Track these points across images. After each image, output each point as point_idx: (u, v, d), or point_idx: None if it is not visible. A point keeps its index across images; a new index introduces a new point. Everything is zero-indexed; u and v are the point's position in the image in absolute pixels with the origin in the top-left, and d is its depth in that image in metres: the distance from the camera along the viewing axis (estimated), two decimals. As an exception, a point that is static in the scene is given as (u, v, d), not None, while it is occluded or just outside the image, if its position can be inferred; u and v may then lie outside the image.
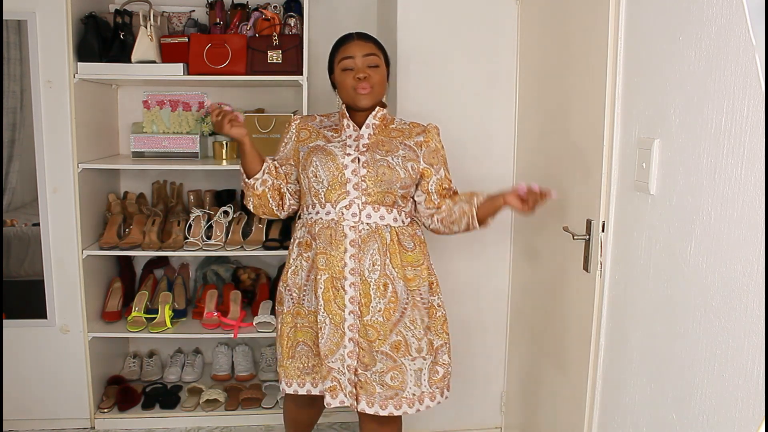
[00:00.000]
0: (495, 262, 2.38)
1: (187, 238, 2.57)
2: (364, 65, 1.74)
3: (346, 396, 1.74)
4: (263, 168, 1.77)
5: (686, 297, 1.21)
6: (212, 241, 2.56)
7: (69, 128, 2.37)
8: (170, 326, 2.56)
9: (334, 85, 1.85)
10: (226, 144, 2.65)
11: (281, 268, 2.90)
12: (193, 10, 2.68)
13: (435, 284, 1.83)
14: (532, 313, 2.17)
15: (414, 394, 1.75)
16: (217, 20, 2.56)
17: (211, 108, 1.73)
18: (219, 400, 2.64)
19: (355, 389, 1.73)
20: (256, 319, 2.56)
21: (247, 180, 1.78)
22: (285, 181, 1.82)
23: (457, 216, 1.78)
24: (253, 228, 2.64)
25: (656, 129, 1.31)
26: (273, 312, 2.63)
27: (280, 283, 1.85)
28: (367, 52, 1.75)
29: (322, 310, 1.72)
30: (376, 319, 1.71)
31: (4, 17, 2.30)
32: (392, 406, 1.73)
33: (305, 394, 1.80)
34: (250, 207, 1.82)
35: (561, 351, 1.89)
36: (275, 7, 2.59)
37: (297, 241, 1.81)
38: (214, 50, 2.43)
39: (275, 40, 2.44)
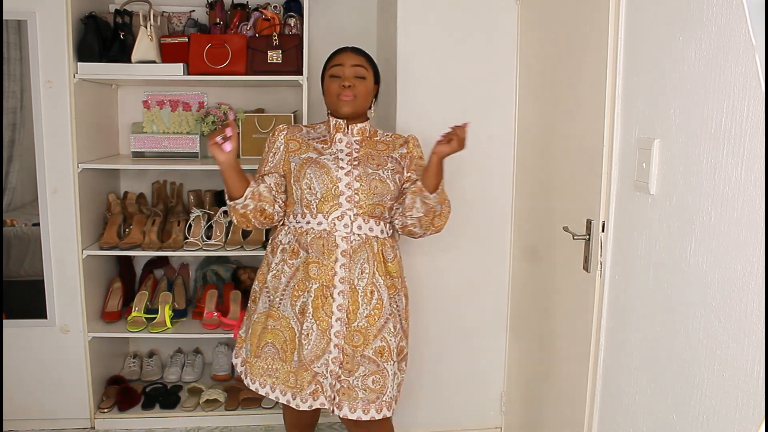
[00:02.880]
0: (495, 262, 2.38)
1: (187, 238, 2.57)
2: (351, 74, 1.81)
3: (326, 399, 1.77)
4: (246, 194, 1.76)
5: (686, 297, 1.21)
6: (212, 241, 2.56)
7: (69, 128, 2.37)
8: (170, 326, 2.56)
9: (324, 92, 1.89)
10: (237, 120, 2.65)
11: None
12: (193, 10, 2.68)
13: (407, 296, 1.91)
14: (532, 313, 2.17)
15: (391, 397, 1.80)
16: (217, 20, 2.56)
17: (227, 123, 1.72)
18: (219, 400, 2.64)
19: (337, 395, 1.77)
20: (256, 319, 2.56)
21: (229, 202, 1.79)
22: (270, 201, 1.80)
23: (410, 200, 1.78)
24: (253, 228, 2.64)
25: (656, 129, 1.31)
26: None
27: (256, 283, 1.89)
28: (356, 63, 1.83)
29: (310, 317, 1.75)
30: (362, 324, 1.76)
31: (4, 17, 2.30)
32: (374, 410, 1.77)
33: (264, 396, 1.84)
34: (234, 221, 1.84)
35: (561, 351, 1.89)
36: (275, 7, 2.59)
37: (281, 246, 1.82)
38: (214, 50, 2.43)
39: (275, 40, 2.44)
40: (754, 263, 1.01)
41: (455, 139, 1.71)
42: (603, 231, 1.56)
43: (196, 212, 2.61)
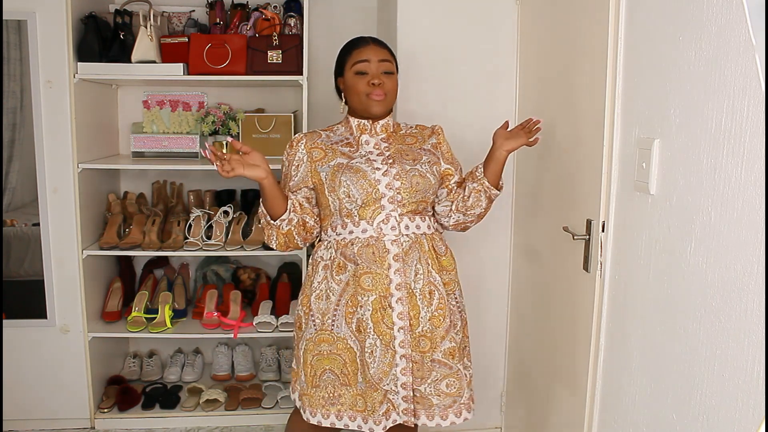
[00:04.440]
0: (495, 261, 2.38)
1: (187, 238, 2.57)
2: (379, 71, 1.68)
3: (399, 414, 1.66)
4: (288, 207, 1.65)
5: (686, 297, 1.21)
6: (212, 241, 2.56)
7: (69, 128, 2.37)
8: (170, 326, 2.56)
9: (338, 90, 1.78)
10: (226, 144, 2.65)
11: (281, 269, 2.91)
12: (193, 10, 2.69)
13: (460, 287, 1.80)
14: (532, 313, 2.17)
15: (469, 398, 1.72)
16: (217, 20, 2.56)
17: (212, 152, 1.55)
18: (219, 400, 2.64)
19: (413, 405, 1.67)
20: (256, 319, 2.56)
21: (272, 222, 1.65)
22: (310, 213, 1.71)
23: (473, 198, 1.73)
24: (253, 228, 2.64)
25: (656, 129, 1.31)
26: (273, 312, 2.64)
27: (299, 307, 1.74)
28: (382, 57, 1.70)
29: (372, 333, 1.63)
30: (427, 328, 1.66)
31: (4, 17, 2.31)
32: (453, 414, 1.69)
33: (328, 426, 1.71)
34: (273, 245, 1.70)
35: (561, 351, 1.89)
36: (275, 7, 2.59)
37: (323, 263, 1.70)
38: (214, 50, 2.43)
39: (275, 40, 2.45)
40: (754, 263, 1.01)
41: (524, 131, 1.70)
42: (603, 231, 1.56)
43: (196, 212, 2.61)
